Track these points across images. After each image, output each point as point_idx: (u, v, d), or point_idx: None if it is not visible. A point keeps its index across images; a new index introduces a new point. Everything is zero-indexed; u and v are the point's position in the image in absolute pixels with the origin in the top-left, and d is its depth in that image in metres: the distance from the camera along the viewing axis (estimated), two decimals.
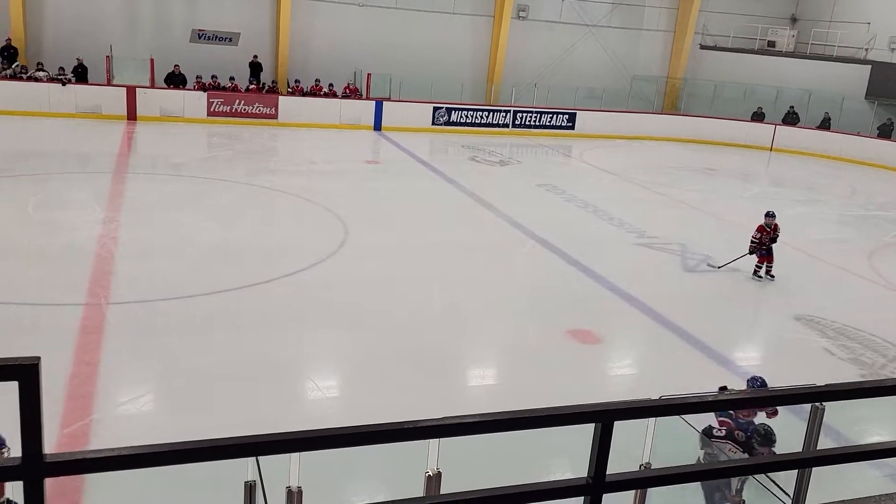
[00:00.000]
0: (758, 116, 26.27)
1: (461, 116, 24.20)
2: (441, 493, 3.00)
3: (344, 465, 4.98)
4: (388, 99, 23.50)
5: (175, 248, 10.79)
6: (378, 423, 1.76)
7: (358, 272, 10.38)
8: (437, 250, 11.74)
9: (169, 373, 7.30)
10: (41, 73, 20.51)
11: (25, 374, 1.33)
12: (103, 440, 6.06)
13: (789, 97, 26.62)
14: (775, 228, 11.30)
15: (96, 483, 5.12)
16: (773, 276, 11.29)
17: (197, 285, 9.36)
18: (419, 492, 2.80)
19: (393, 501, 1.83)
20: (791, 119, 26.12)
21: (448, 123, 23.95)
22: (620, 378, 8.33)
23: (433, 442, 3.35)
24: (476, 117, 24.40)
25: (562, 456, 5.98)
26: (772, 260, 11.32)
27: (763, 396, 2.24)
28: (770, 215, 11.39)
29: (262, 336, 8.14)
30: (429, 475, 3.36)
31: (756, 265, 11.39)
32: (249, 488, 3.27)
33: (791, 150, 25.01)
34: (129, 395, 6.93)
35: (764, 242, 11.28)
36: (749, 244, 11.33)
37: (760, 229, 11.32)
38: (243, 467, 3.29)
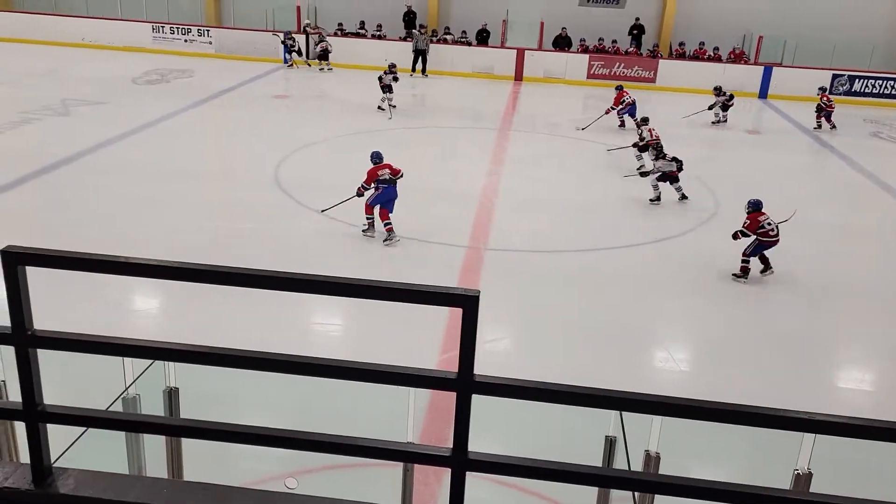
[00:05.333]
0: None
1: (866, 86, 21.29)
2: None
3: (705, 441, 4.94)
4: (779, 64, 21.62)
5: (546, 204, 11.42)
6: (744, 405, 1.70)
7: (725, 246, 9.92)
8: (814, 229, 10.68)
9: (535, 320, 7.86)
10: (448, 37, 22.91)
11: (468, 302, 1.60)
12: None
13: None
14: None
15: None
16: None
17: (563, 241, 9.85)
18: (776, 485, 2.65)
19: (755, 487, 1.76)
20: None
21: (849, 93, 21.26)
22: None
23: (807, 437, 3.14)
24: (887, 87, 21.27)
25: None
26: None
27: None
28: None
29: (620, 298, 8.31)
30: (798, 474, 3.18)
31: None
32: (610, 443, 3.44)
33: None
34: (496, 335, 7.63)
35: None
36: None
37: None
38: (605, 422, 3.47)
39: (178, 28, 23.05)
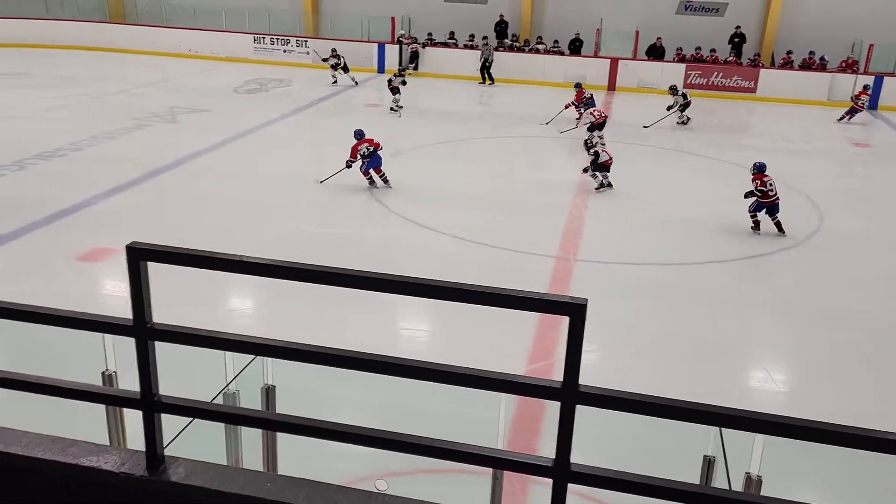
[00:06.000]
0: None
1: None
2: None
3: (810, 465, 4.70)
4: (892, 74, 20.51)
5: (636, 215, 11.18)
6: (857, 427, 1.58)
7: (828, 264, 9.46)
8: None
9: (624, 332, 7.69)
10: (540, 46, 22.84)
11: (576, 311, 1.57)
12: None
13: None
14: None
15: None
16: None
17: (654, 253, 9.62)
18: None
19: None
20: None
21: None
22: None
23: None
24: None
25: None
26: None
27: None
28: None
29: (713, 313, 8.04)
30: None
31: None
32: (708, 463, 3.31)
33: None
34: (587, 347, 7.50)
35: None
36: None
37: None
38: (704, 441, 3.33)
39: (277, 39, 23.86)
